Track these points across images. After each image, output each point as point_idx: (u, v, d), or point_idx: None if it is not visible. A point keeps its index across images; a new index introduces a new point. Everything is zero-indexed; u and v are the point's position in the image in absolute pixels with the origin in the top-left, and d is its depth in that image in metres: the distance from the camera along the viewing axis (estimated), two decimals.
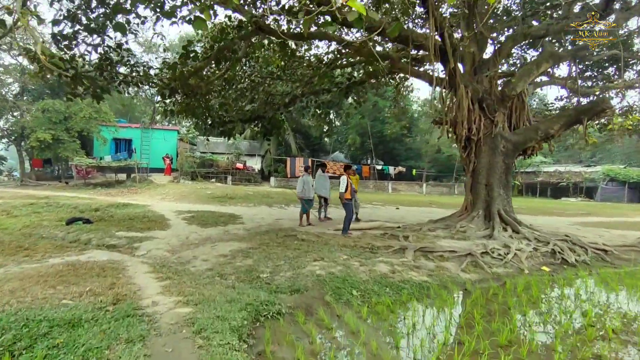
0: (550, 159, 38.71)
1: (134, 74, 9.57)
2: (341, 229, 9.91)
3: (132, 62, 9.69)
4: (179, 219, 11.21)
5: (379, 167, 33.68)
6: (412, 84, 19.59)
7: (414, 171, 34.61)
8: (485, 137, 9.74)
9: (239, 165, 28.82)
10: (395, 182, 34.21)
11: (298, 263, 6.12)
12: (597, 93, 11.88)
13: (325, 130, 14.60)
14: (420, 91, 61.32)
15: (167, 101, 11.55)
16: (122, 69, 9.90)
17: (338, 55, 9.85)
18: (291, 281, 5.32)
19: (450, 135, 10.17)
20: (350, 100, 15.43)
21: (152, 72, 10.28)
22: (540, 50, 12.47)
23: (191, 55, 8.55)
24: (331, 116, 34.30)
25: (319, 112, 13.83)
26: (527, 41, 9.59)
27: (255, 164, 30.91)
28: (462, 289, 5.62)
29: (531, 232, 8.71)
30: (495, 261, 7.06)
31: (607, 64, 13.87)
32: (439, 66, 11.05)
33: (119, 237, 8.18)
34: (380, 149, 34.75)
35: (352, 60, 11.10)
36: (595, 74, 14.31)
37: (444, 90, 10.03)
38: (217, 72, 9.47)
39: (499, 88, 9.92)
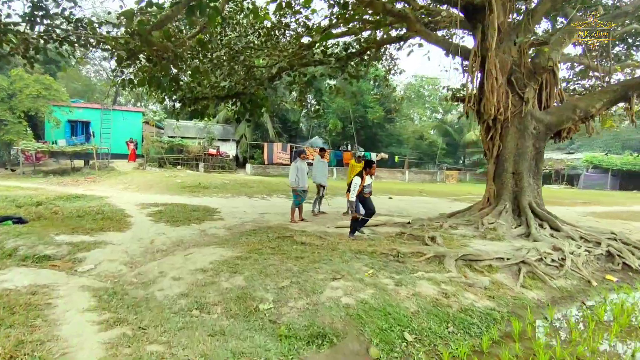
0: None
1: (79, 29, 7.41)
2: (341, 227, 8.25)
3: (76, 16, 7.51)
4: (143, 214, 9.17)
5: (361, 154, 32.15)
6: (427, 50, 17.71)
7: (396, 158, 33.36)
8: (513, 117, 8.25)
9: (212, 151, 26.52)
10: (377, 169, 32.87)
11: (310, 283, 4.39)
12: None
13: (314, 111, 12.60)
14: (403, 74, 59.78)
15: (126, 71, 9.42)
16: (64, 25, 7.66)
17: (343, 11, 8.00)
18: (309, 317, 3.59)
19: (473, 114, 8.62)
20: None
21: (104, 29, 8.17)
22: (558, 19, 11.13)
23: (154, 2, 6.49)
24: (310, 98, 32.34)
25: (306, 88, 11.96)
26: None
27: (229, 149, 28.60)
28: (542, 318, 4.08)
29: (574, 230, 7.33)
30: (551, 269, 5.59)
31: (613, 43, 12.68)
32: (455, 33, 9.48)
33: (59, 243, 6.13)
34: (362, 134, 33.19)
35: (354, 24, 9.26)
36: (603, 52, 13.12)
37: (464, 59, 8.41)
38: (189, 26, 7.47)
39: (529, 59, 8.40)
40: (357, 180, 6.86)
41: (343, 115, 31.46)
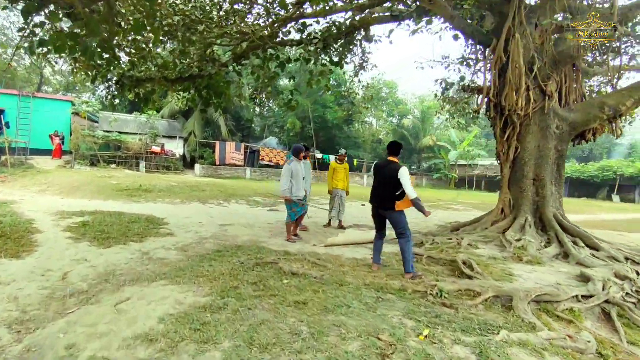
0: (485, 152, 39.28)
1: None
2: (331, 245, 6.47)
3: None
4: (59, 228, 6.71)
5: (319, 156, 30.54)
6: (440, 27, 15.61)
7: (355, 161, 32.17)
8: (534, 114, 6.97)
9: (156, 148, 23.45)
10: None
11: None
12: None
13: (287, 101, 10.56)
14: (364, 74, 58.92)
15: (39, 31, 6.93)
16: None
17: None
18: None
19: (489, 110, 7.24)
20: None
21: None
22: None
23: None
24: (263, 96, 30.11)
25: (272, 80, 10.00)
26: None
27: (175, 147, 25.59)
28: None
29: (615, 249, 6.13)
30: (635, 307, 4.21)
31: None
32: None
33: None
34: (321, 135, 31.61)
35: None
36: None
37: (477, 43, 7.00)
38: None
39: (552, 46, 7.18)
40: (405, 172, 4.73)
41: (302, 115, 29.69)
